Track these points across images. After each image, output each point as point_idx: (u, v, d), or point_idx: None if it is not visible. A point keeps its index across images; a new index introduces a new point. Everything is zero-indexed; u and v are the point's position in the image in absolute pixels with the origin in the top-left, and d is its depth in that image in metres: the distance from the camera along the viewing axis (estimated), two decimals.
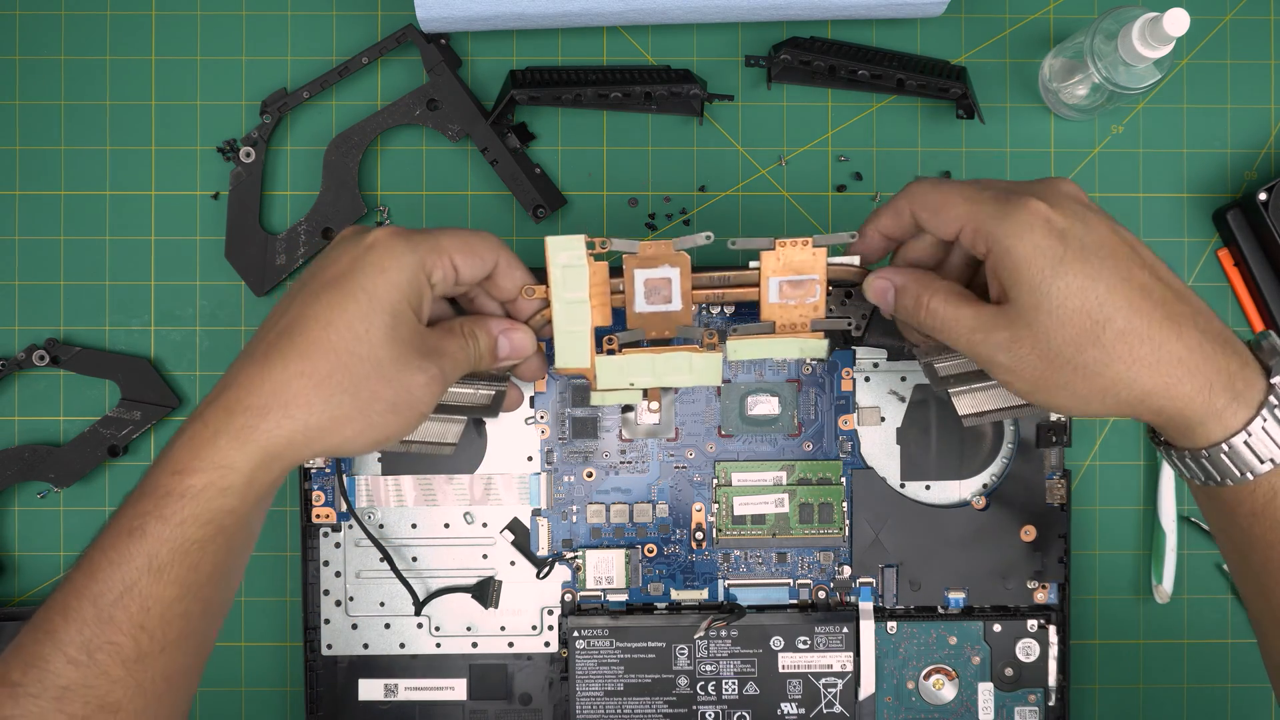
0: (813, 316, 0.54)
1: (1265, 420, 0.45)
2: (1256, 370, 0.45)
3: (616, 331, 0.54)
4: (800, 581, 0.63)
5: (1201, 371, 0.45)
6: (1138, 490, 0.65)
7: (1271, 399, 0.45)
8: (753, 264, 0.53)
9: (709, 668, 0.61)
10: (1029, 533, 0.62)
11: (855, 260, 0.53)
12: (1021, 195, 0.46)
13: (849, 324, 0.55)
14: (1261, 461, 0.45)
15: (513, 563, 0.62)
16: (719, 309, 0.60)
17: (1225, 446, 0.45)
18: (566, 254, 0.52)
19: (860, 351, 0.63)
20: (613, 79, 0.62)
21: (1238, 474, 0.46)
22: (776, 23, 0.65)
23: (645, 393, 0.55)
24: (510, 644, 0.62)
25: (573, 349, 0.54)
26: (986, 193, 0.47)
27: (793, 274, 0.52)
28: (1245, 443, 0.45)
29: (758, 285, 0.53)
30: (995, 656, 0.62)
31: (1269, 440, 0.45)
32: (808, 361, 0.63)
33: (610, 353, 0.54)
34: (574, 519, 0.62)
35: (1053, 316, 0.45)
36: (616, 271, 0.53)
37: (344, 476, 0.62)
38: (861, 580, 0.63)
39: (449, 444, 0.56)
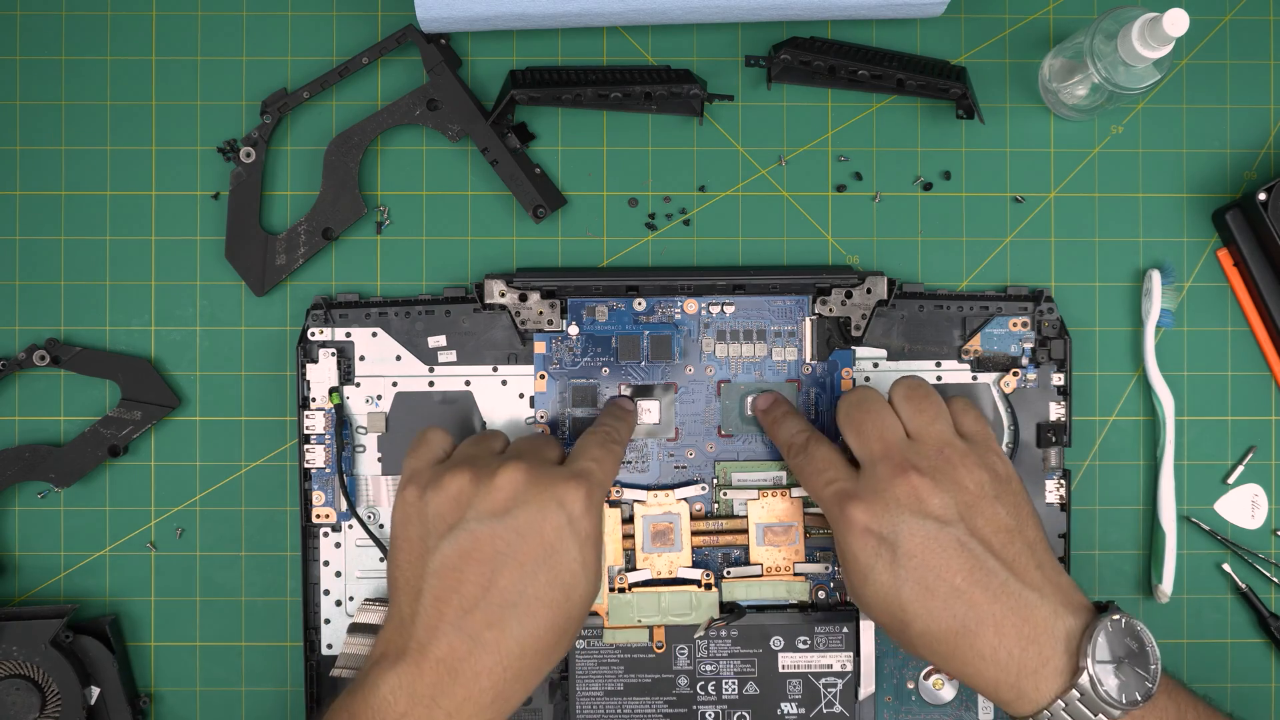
0: (794, 560, 0.62)
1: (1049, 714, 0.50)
2: (1058, 669, 0.50)
3: (627, 571, 0.61)
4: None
5: (991, 675, 0.51)
6: (1138, 490, 0.65)
7: (1059, 703, 0.50)
8: (740, 512, 0.62)
9: (709, 668, 0.61)
10: None
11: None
12: (850, 501, 0.53)
13: (825, 567, 0.62)
14: None
15: None
16: (715, 551, 0.63)
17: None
18: None
19: (860, 351, 0.63)
20: (613, 79, 0.62)
21: None
22: (776, 23, 0.65)
23: (651, 632, 0.61)
24: None
25: None
26: (828, 490, 0.55)
27: (775, 520, 0.62)
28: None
29: (747, 531, 0.61)
30: None
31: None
32: (807, 362, 0.63)
33: (621, 591, 0.60)
34: None
35: (868, 605, 0.54)
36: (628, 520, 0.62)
37: (344, 476, 0.62)
38: None
39: None
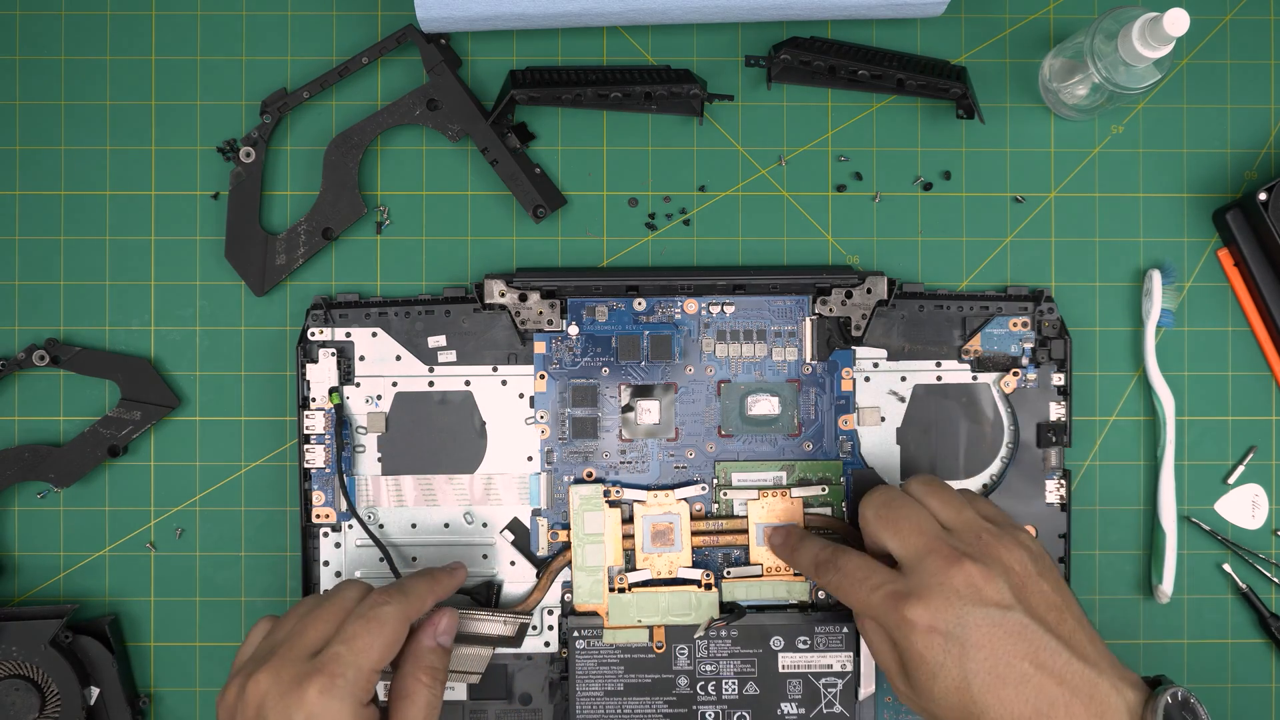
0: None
1: None
2: None
3: (627, 572, 0.61)
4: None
5: None
6: (1138, 490, 0.65)
7: None
8: (740, 512, 0.62)
9: (709, 668, 0.61)
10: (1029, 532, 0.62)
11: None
12: (906, 601, 0.52)
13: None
14: None
15: (513, 563, 0.62)
16: (715, 551, 0.63)
17: None
18: (585, 501, 0.61)
19: (860, 351, 0.63)
20: (613, 79, 0.62)
21: None
22: (776, 23, 0.65)
23: (651, 632, 0.61)
24: None
25: (589, 587, 0.61)
26: (876, 594, 0.53)
27: (775, 521, 0.62)
28: None
29: (747, 532, 0.61)
30: None
31: None
32: (807, 362, 0.63)
33: (621, 591, 0.60)
34: None
35: (936, 703, 0.52)
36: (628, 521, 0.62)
37: (344, 476, 0.62)
38: None
39: (477, 673, 0.60)
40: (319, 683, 0.50)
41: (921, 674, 0.52)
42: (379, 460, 0.62)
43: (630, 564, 0.62)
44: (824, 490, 0.62)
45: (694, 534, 0.62)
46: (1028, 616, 0.51)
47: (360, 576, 0.62)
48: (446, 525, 0.62)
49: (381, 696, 0.57)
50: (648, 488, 0.62)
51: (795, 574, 0.62)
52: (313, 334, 0.62)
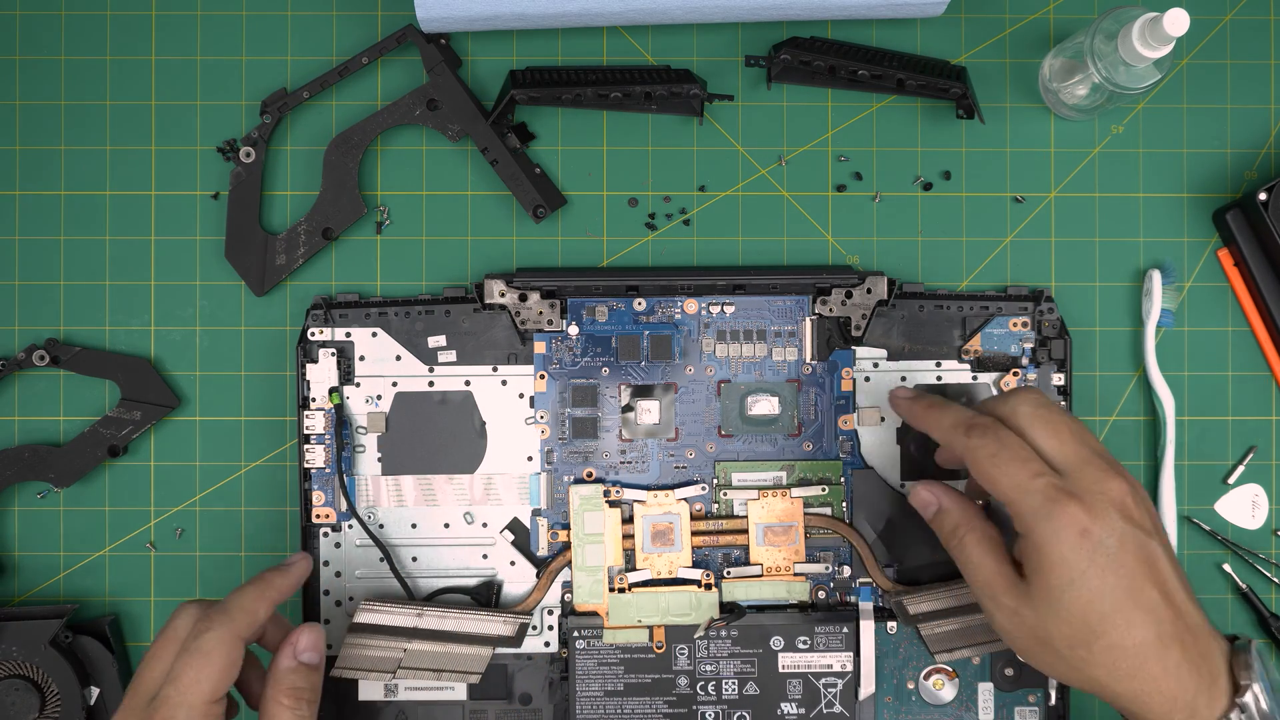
0: (794, 560, 0.62)
1: None
2: (1223, 689, 0.50)
3: (627, 572, 0.61)
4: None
5: (1170, 692, 0.49)
6: None
7: (1231, 716, 0.50)
8: (740, 512, 0.62)
9: (709, 668, 0.61)
10: None
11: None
12: (1067, 498, 0.50)
13: (825, 567, 0.62)
14: None
15: (513, 563, 0.62)
16: (715, 551, 0.63)
17: None
18: (585, 501, 0.61)
19: (860, 351, 0.63)
20: (613, 79, 0.62)
21: None
22: (776, 23, 0.65)
23: (651, 632, 0.61)
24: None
25: (589, 587, 0.61)
26: (1038, 481, 0.50)
27: (775, 521, 0.61)
28: None
29: (747, 532, 0.61)
30: (995, 656, 0.62)
31: None
32: (807, 362, 0.63)
33: (621, 591, 0.60)
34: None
35: (1057, 615, 0.50)
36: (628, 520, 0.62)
37: (344, 476, 0.62)
38: (861, 580, 0.63)
39: (477, 673, 0.60)
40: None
41: (1056, 579, 0.50)
42: (379, 460, 0.62)
43: (630, 564, 0.62)
44: (824, 490, 0.62)
45: (694, 534, 0.62)
46: (1161, 548, 0.51)
47: (359, 577, 0.62)
48: (446, 525, 0.62)
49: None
50: (648, 488, 0.62)
51: (795, 574, 0.62)
52: (313, 334, 0.62)
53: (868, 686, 0.62)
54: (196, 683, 0.50)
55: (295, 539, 0.64)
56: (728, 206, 0.65)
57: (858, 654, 0.62)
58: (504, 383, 0.63)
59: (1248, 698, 0.49)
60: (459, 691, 0.62)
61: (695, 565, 0.62)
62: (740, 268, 0.64)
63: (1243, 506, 0.65)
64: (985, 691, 0.62)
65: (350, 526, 0.62)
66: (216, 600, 0.54)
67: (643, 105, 0.64)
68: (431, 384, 0.62)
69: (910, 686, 0.62)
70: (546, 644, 0.62)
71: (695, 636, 0.61)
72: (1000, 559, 0.53)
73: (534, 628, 0.62)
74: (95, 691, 0.62)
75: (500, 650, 0.61)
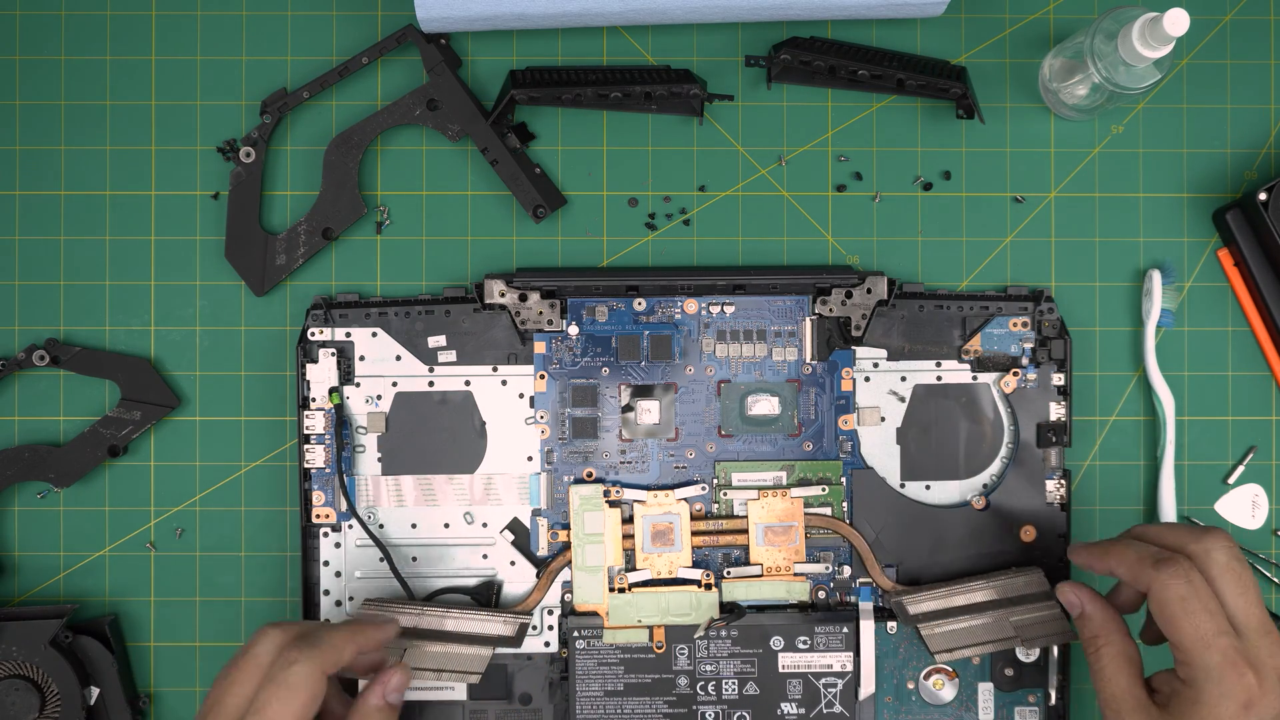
0: (794, 560, 0.62)
1: None
2: None
3: (627, 572, 0.61)
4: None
5: None
6: (1138, 490, 0.65)
7: None
8: (740, 512, 0.62)
9: (709, 668, 0.61)
10: (1029, 533, 0.62)
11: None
12: (1245, 666, 0.49)
13: (825, 567, 0.62)
14: None
15: (513, 563, 0.62)
16: (715, 551, 0.63)
17: None
18: (585, 501, 0.61)
19: (860, 351, 0.63)
20: (613, 79, 0.62)
21: None
22: (776, 23, 0.65)
23: (651, 632, 0.61)
24: None
25: (589, 587, 0.61)
26: (1221, 640, 0.50)
27: (775, 521, 0.61)
28: None
29: (747, 532, 0.61)
30: (995, 656, 0.62)
31: None
32: (807, 362, 0.63)
33: (621, 591, 0.60)
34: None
35: None
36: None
37: (344, 476, 0.62)
38: (861, 580, 0.63)
39: (477, 673, 0.59)
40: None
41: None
42: (379, 460, 0.62)
43: (630, 564, 0.62)
44: (824, 490, 0.62)
45: (694, 534, 0.62)
46: None
47: (359, 577, 0.62)
48: (446, 525, 0.62)
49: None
50: (648, 488, 0.62)
51: (795, 574, 0.62)
52: (313, 334, 0.62)
53: (868, 686, 0.62)
54: (280, 716, 0.49)
55: (295, 539, 0.64)
56: (728, 206, 0.65)
57: (858, 654, 0.62)
58: (504, 383, 0.63)
59: None
60: (459, 691, 0.62)
61: (695, 565, 0.62)
62: (740, 268, 0.64)
63: (1243, 506, 0.65)
64: (985, 691, 0.62)
65: (350, 526, 0.62)
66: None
67: (643, 105, 0.64)
68: (431, 384, 0.62)
69: (910, 686, 0.62)
70: (546, 644, 0.62)
71: (695, 636, 0.61)
72: (1134, 678, 0.53)
73: (534, 628, 0.62)
74: (95, 691, 0.62)
75: (500, 650, 0.61)
